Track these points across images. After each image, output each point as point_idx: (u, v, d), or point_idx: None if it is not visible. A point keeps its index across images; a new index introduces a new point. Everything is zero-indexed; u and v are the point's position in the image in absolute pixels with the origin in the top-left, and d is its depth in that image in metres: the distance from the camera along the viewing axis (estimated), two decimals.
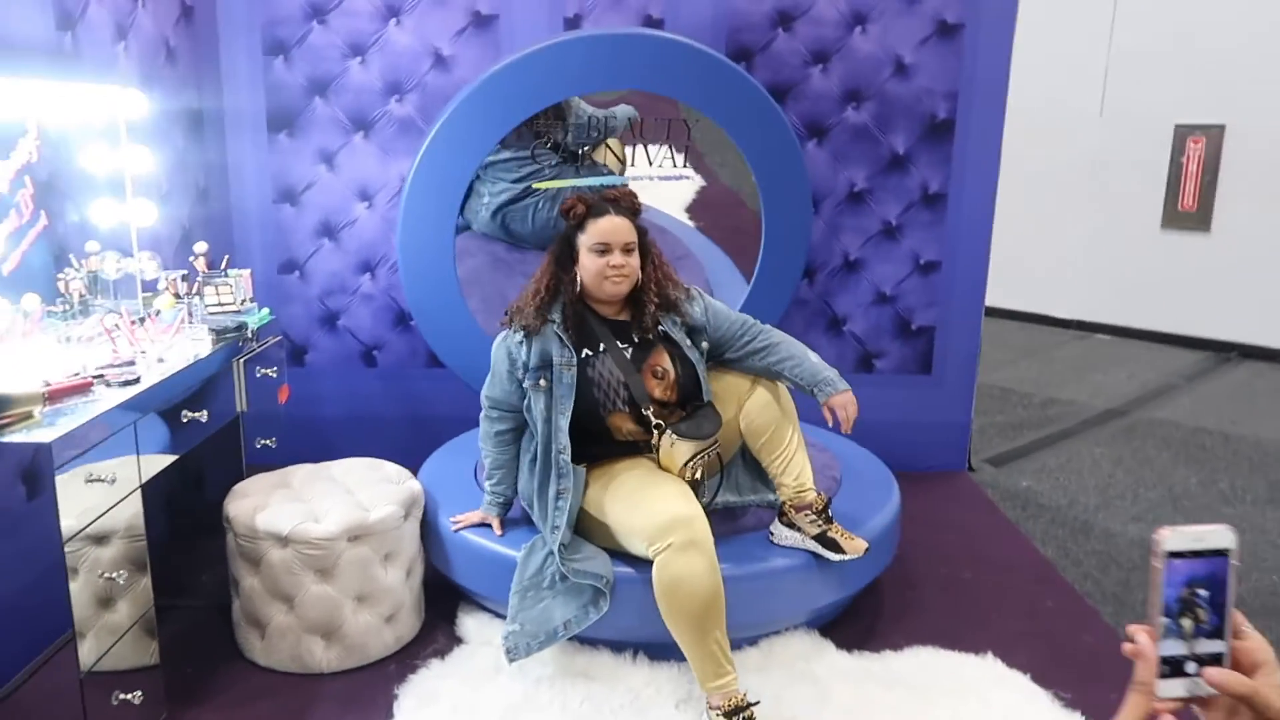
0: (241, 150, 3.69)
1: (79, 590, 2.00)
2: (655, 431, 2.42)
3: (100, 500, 2.07)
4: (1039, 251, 7.00)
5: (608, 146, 4.12)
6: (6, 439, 1.90)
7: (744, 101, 3.41)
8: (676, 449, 2.43)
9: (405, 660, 2.60)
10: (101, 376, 2.24)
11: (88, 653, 2.03)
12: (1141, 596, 3.03)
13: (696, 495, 2.48)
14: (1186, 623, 0.76)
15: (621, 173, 4.17)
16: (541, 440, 2.42)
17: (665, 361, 2.48)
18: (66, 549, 1.93)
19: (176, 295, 2.75)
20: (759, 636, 2.61)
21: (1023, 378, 5.65)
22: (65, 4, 2.69)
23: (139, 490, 2.22)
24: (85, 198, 2.71)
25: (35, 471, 1.87)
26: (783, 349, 2.56)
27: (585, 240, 2.39)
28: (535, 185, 3.73)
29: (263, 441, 2.99)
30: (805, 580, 2.52)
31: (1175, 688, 0.75)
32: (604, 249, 2.39)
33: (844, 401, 2.50)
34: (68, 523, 1.92)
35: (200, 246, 2.86)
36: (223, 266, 2.90)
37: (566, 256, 2.43)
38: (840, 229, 3.84)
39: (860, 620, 2.84)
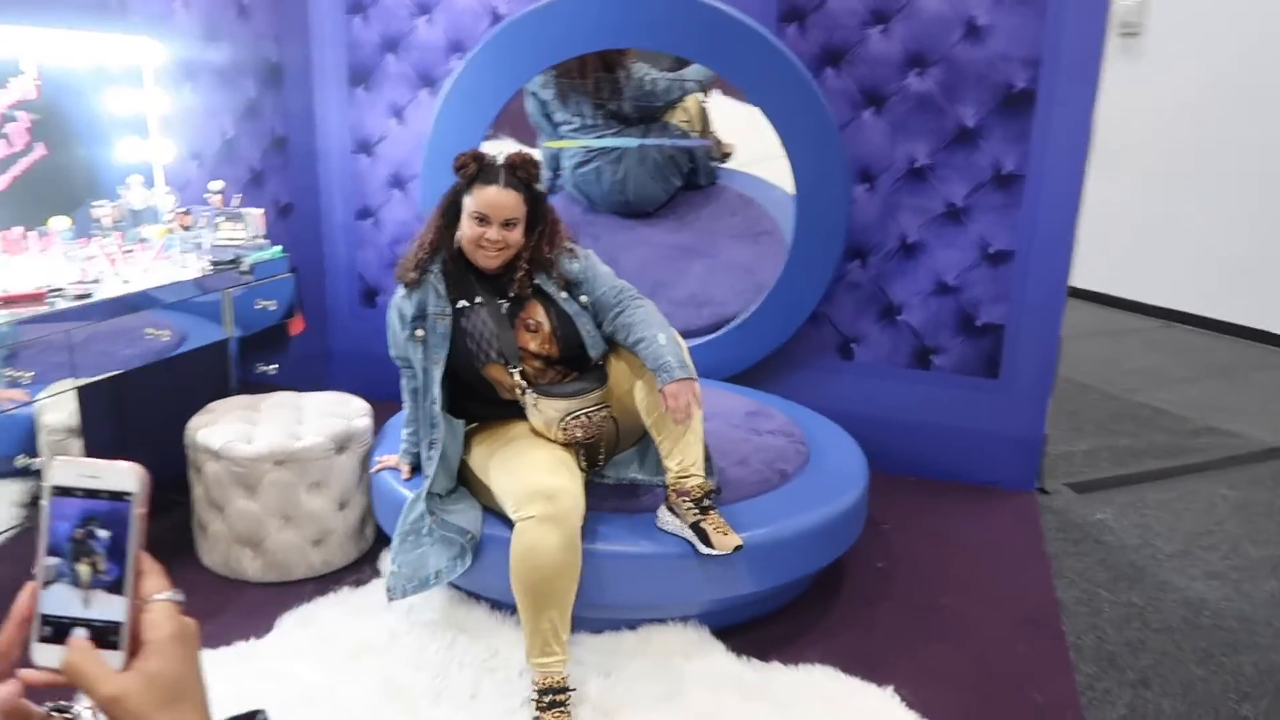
0: (326, 102, 3.98)
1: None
2: (520, 389, 2.38)
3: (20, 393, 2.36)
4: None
5: (683, 108, 4.03)
6: None
7: (764, 63, 3.21)
8: (542, 408, 2.37)
9: (323, 583, 2.75)
10: (60, 290, 2.54)
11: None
12: (1148, 662, 2.57)
13: (579, 462, 2.41)
14: (84, 569, 0.67)
15: (702, 135, 4.06)
16: (421, 391, 2.44)
17: (538, 314, 2.42)
18: None
19: (185, 228, 3.04)
20: (639, 621, 2.50)
21: (1192, 400, 4.87)
22: None
23: (74, 390, 2.50)
24: (118, 135, 3.06)
25: None
26: (638, 327, 2.40)
27: (468, 204, 2.37)
28: (545, 144, 3.73)
29: (263, 367, 3.25)
30: (683, 570, 2.37)
31: (51, 656, 0.66)
32: (482, 219, 2.35)
33: (674, 390, 2.30)
34: None
35: (216, 185, 3.14)
36: (234, 205, 3.16)
37: (452, 213, 2.42)
38: (898, 208, 3.50)
39: (777, 626, 2.63)
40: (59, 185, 2.87)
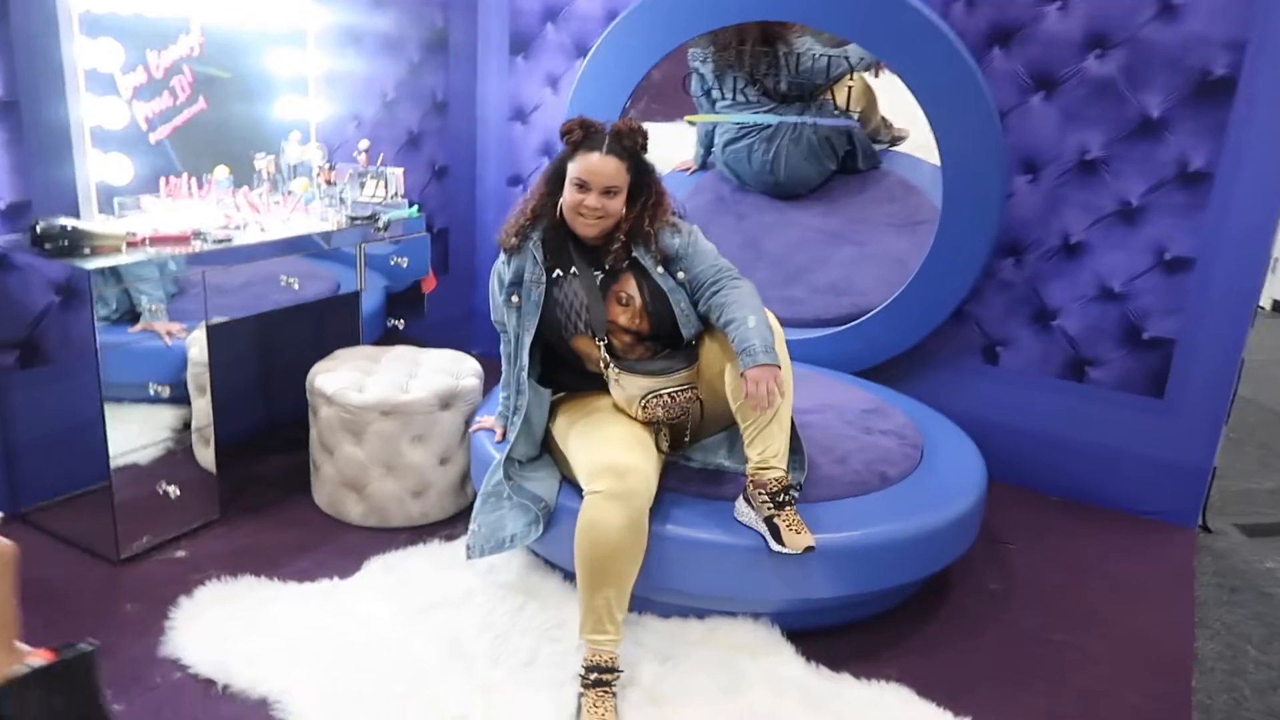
0: (487, 69, 4.07)
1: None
2: (604, 362, 2.33)
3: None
4: None
5: (846, 87, 3.84)
6: (91, 263, 2.43)
7: (916, 39, 3.01)
8: (624, 384, 2.32)
9: (417, 534, 2.83)
10: (203, 234, 2.72)
11: (120, 445, 2.55)
12: None
13: (658, 442, 2.35)
14: None
15: (866, 116, 3.85)
16: (513, 356, 2.44)
17: (630, 287, 2.36)
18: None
19: (329, 183, 3.18)
20: (709, 612, 2.41)
21: None
22: None
23: (203, 326, 2.68)
24: (279, 93, 3.25)
25: (76, 286, 2.41)
26: (731, 308, 2.28)
27: (570, 170, 2.33)
28: (687, 119, 3.63)
29: (392, 321, 3.37)
30: (755, 566, 2.26)
31: None
32: (582, 185, 2.31)
33: (755, 376, 2.17)
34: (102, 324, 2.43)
35: (363, 144, 3.27)
36: (379, 163, 3.28)
37: (556, 180, 2.39)
38: (1062, 203, 3.19)
39: (860, 637, 2.47)
40: (223, 137, 3.08)
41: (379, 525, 2.87)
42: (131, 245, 2.58)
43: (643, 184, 2.39)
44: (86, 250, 2.48)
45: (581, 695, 2.11)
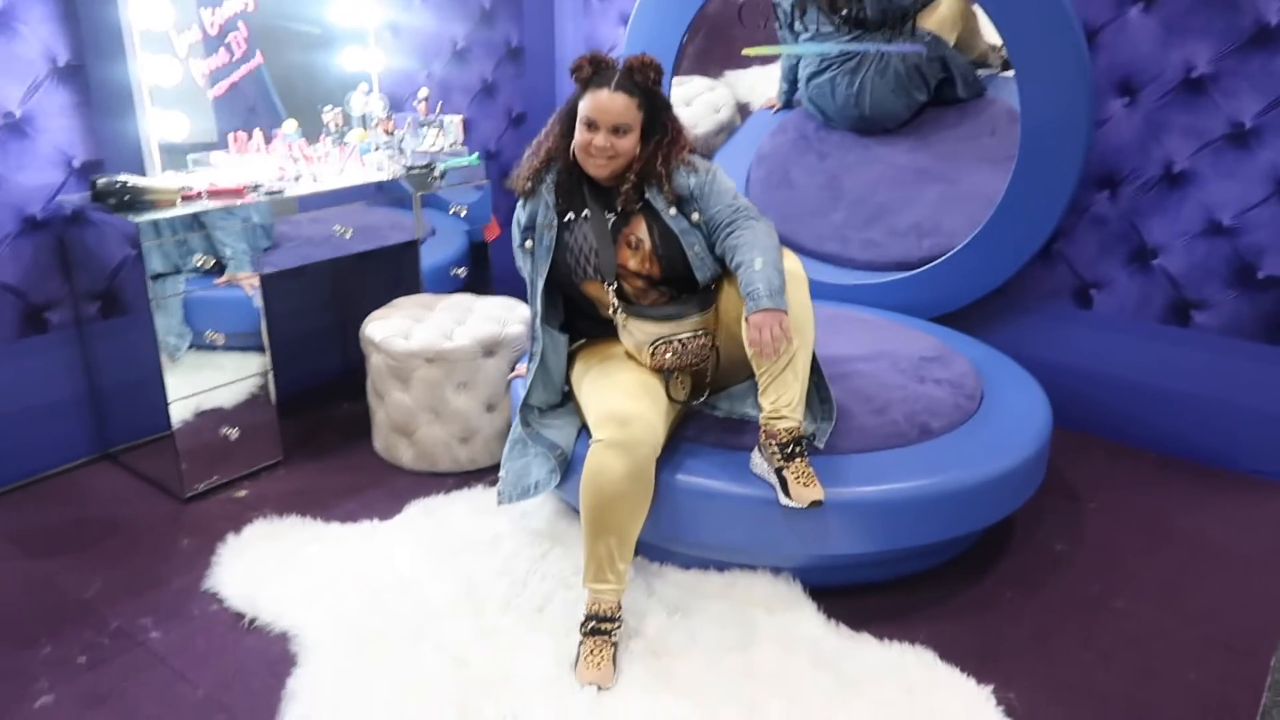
0: (563, 10, 4.01)
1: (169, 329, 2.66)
2: (614, 308, 2.26)
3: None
4: None
5: (940, 10, 3.56)
6: (145, 217, 2.57)
7: None
8: (631, 329, 2.25)
9: (464, 479, 2.88)
10: (258, 186, 2.82)
11: (179, 388, 2.70)
12: None
13: (670, 390, 2.28)
14: None
15: (962, 40, 3.57)
16: (530, 303, 2.41)
17: (640, 230, 2.26)
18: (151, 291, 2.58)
19: (388, 133, 3.23)
20: (729, 565, 2.34)
21: None
22: None
23: (257, 275, 2.79)
24: (340, 45, 3.30)
25: (135, 238, 2.54)
26: (742, 249, 2.15)
27: (580, 109, 2.25)
28: (745, 51, 3.44)
29: (455, 270, 3.41)
30: (768, 519, 2.16)
31: None
32: (590, 124, 2.22)
33: (758, 321, 2.04)
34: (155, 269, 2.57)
35: (422, 92, 3.30)
36: (437, 112, 3.30)
37: (568, 120, 2.31)
38: (1164, 128, 2.86)
39: (892, 596, 2.34)
40: (288, 91, 3.17)
41: (428, 470, 2.93)
42: (187, 199, 2.70)
43: (657, 122, 2.29)
44: (143, 205, 2.62)
45: (580, 643, 2.09)
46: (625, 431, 2.10)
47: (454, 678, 2.03)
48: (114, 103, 2.78)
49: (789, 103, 4.00)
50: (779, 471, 2.11)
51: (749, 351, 2.17)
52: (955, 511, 2.24)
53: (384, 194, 3.08)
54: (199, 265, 2.69)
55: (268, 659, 2.13)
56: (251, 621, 2.25)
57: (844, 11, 3.54)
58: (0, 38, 2.58)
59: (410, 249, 3.25)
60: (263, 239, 2.95)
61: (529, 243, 2.34)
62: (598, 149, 2.21)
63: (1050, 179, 2.93)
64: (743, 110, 4.13)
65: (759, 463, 2.19)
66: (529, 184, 2.34)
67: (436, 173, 3.16)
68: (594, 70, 2.24)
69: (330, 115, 3.25)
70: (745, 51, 3.60)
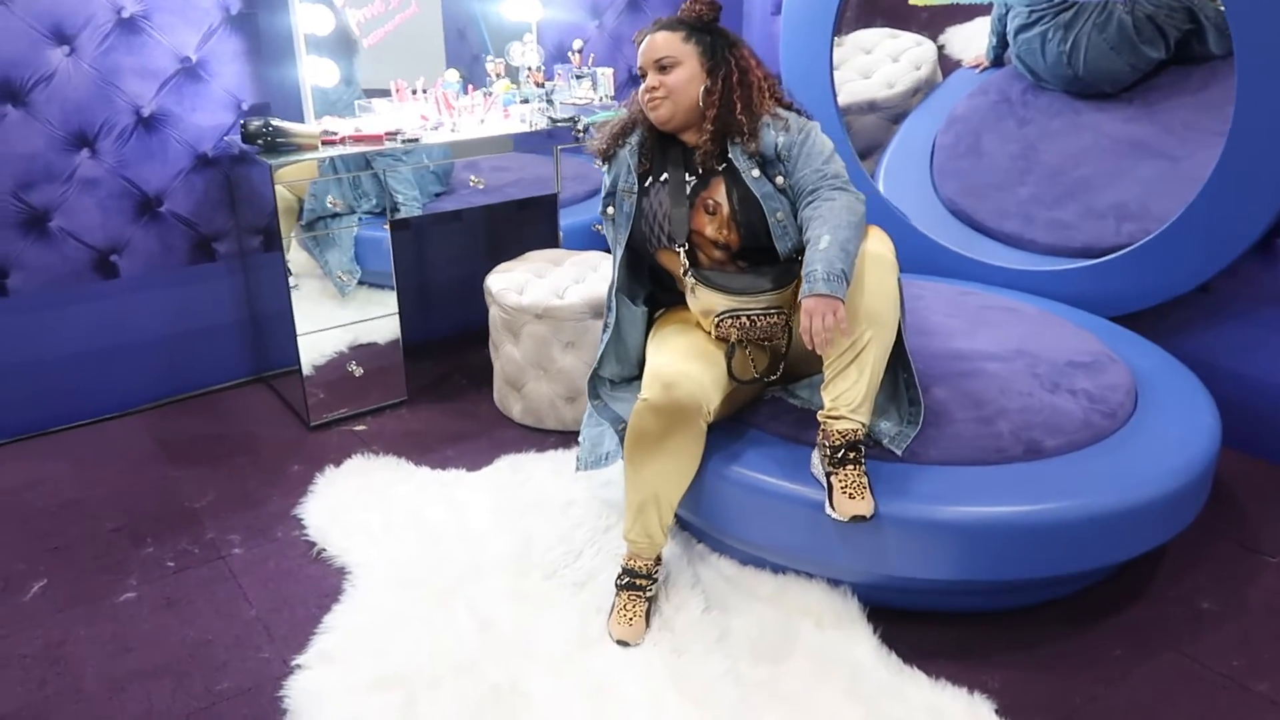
0: None
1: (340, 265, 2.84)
2: (685, 272, 2.10)
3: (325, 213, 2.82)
4: None
5: None
6: (287, 159, 2.73)
7: None
8: (700, 295, 2.08)
9: (566, 438, 2.85)
10: (396, 133, 2.90)
11: (307, 324, 2.86)
12: None
13: (733, 367, 2.09)
14: None
15: None
16: (612, 272, 2.30)
17: (719, 193, 2.07)
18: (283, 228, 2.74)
19: (539, 84, 3.21)
20: (782, 569, 2.14)
21: None
22: None
23: (383, 220, 2.89)
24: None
25: (263, 178, 2.70)
26: (814, 225, 1.90)
27: None
28: (913, 0, 3.05)
29: (598, 227, 3.35)
30: (818, 526, 1.95)
31: None
32: (641, 73, 2.08)
33: (810, 307, 1.79)
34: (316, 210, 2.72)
35: (577, 44, 3.24)
36: (590, 64, 3.23)
37: None
38: None
39: (973, 631, 2.05)
40: (455, 42, 3.23)
41: (535, 425, 2.93)
42: (328, 143, 2.83)
43: (719, 57, 2.07)
44: (287, 147, 2.77)
45: (615, 596, 2.05)
46: (668, 394, 1.97)
47: (474, 638, 2.02)
48: (279, 49, 2.95)
49: (998, 60, 3.57)
50: (829, 477, 1.89)
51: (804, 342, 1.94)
52: (1045, 547, 1.90)
53: (526, 145, 3.07)
54: (332, 206, 2.81)
55: (320, 590, 2.22)
56: (320, 552, 2.35)
57: None
58: None
59: (549, 202, 3.23)
60: (434, 184, 3.05)
61: (610, 209, 2.23)
62: (647, 91, 2.06)
63: (1268, 160, 2.40)
64: (953, 69, 3.74)
65: (817, 464, 1.98)
66: (605, 148, 2.22)
67: (580, 126, 3.10)
68: (650, 26, 2.10)
69: (493, 65, 3.28)
70: (913, 0, 3.23)
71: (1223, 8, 2.47)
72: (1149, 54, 3.09)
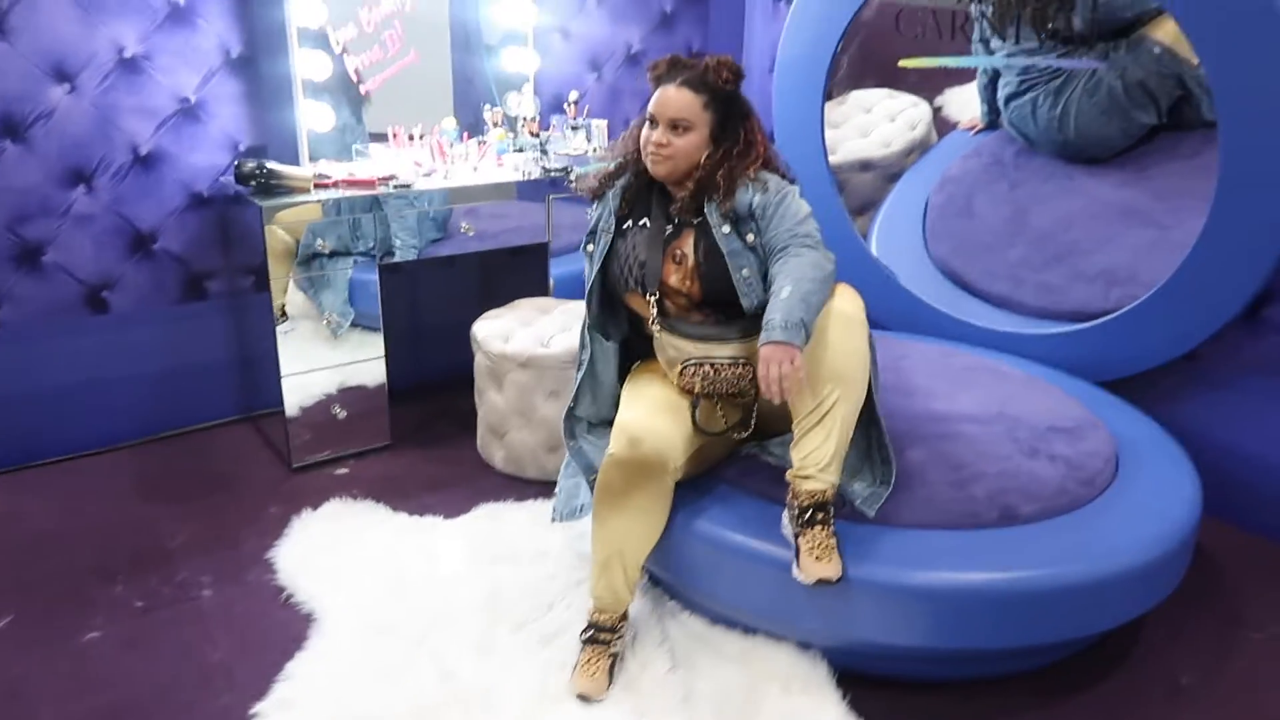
0: (753, 17, 3.85)
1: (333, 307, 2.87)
2: (652, 320, 2.11)
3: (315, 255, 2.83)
4: None
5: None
6: (278, 201, 2.75)
7: None
8: (665, 344, 2.10)
9: (545, 488, 2.82)
10: (389, 179, 2.93)
11: (297, 365, 2.86)
12: None
13: (697, 418, 2.08)
14: None
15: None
16: (587, 307, 2.31)
17: (687, 244, 2.08)
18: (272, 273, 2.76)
19: (533, 134, 3.24)
20: (752, 629, 2.11)
21: None
22: None
23: (374, 263, 2.91)
24: (501, 45, 3.36)
25: (255, 219, 2.73)
26: (779, 278, 1.90)
27: (649, 106, 2.12)
28: (901, 62, 3.09)
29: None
30: (787, 588, 1.91)
31: None
32: (652, 120, 2.08)
33: (767, 355, 1.77)
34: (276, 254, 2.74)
35: (573, 95, 3.28)
36: (584, 115, 3.27)
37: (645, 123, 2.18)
38: None
39: (945, 702, 2.01)
40: (448, 89, 3.28)
41: (516, 474, 2.91)
42: (320, 186, 2.85)
43: (729, 128, 2.10)
44: (280, 189, 2.80)
45: (580, 650, 2.03)
46: (634, 450, 1.97)
47: (436, 689, 1.99)
48: (277, 93, 2.99)
49: (993, 123, 3.59)
50: (796, 538, 1.87)
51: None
52: (1017, 617, 1.87)
53: (520, 194, 3.10)
54: (320, 250, 2.83)
55: (288, 635, 2.19)
56: (289, 597, 2.33)
57: (1050, 25, 3.11)
58: (183, 31, 2.86)
59: (541, 250, 3.25)
60: (432, 230, 3.07)
61: (590, 246, 2.25)
62: (654, 145, 2.08)
63: (1253, 229, 2.40)
64: (949, 130, 3.77)
65: (786, 524, 1.95)
66: (598, 187, 2.24)
67: (572, 176, 3.13)
68: (668, 69, 2.11)
69: (491, 115, 3.32)
70: (902, 63, 3.27)
71: (1204, 70, 2.48)
72: (1140, 119, 3.11)
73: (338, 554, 2.47)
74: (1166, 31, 2.97)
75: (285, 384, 2.87)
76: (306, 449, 2.95)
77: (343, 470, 2.96)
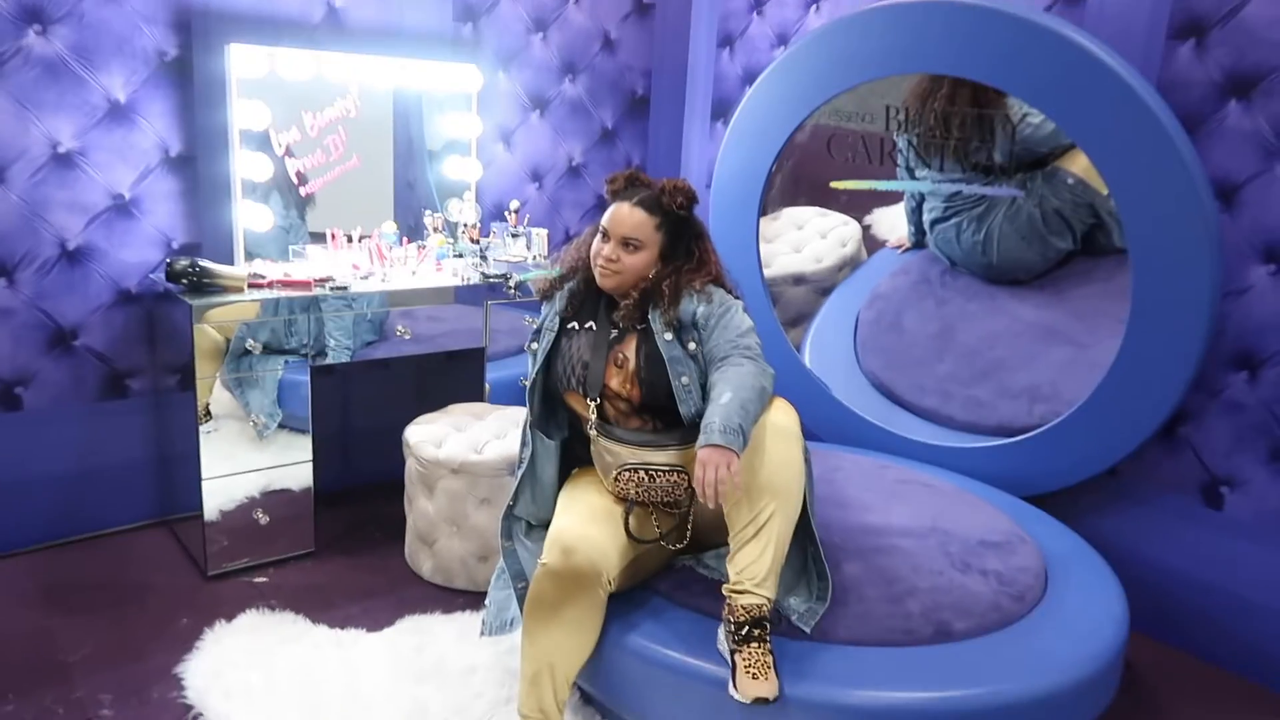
0: (691, 134, 3.97)
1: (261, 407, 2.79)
2: (589, 423, 2.10)
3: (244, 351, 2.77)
4: None
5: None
6: (209, 299, 2.70)
7: (1085, 86, 2.44)
8: (603, 449, 2.09)
9: (474, 599, 2.73)
10: (326, 280, 2.91)
11: (219, 467, 2.77)
12: None
13: (629, 526, 2.05)
14: None
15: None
16: (528, 405, 2.29)
17: (629, 349, 2.11)
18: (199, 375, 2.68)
19: (474, 240, 3.27)
20: None
21: None
22: (469, 0, 3.39)
23: (307, 364, 2.86)
24: (445, 154, 3.41)
25: (185, 317, 2.67)
26: (718, 386, 1.93)
27: (603, 218, 2.17)
28: (832, 184, 3.22)
29: (523, 381, 3.35)
30: (724, 707, 1.87)
31: None
32: (604, 234, 2.13)
33: (704, 458, 1.78)
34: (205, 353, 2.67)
35: (514, 204, 3.32)
36: (525, 224, 3.31)
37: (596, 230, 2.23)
38: None
39: None
40: (390, 194, 3.30)
41: (444, 584, 2.83)
42: (254, 286, 2.81)
43: (680, 248, 2.16)
44: (213, 288, 2.75)
45: None
46: (566, 560, 1.93)
47: None
48: (215, 192, 2.97)
49: (919, 243, 3.73)
50: (733, 654, 1.83)
51: (725, 505, 1.92)
52: None
53: (458, 298, 3.10)
54: (250, 349, 2.77)
55: None
56: (197, 716, 2.19)
57: (970, 157, 3.27)
58: (120, 129, 2.84)
59: (477, 355, 3.24)
60: (367, 332, 3.03)
61: (534, 344, 2.25)
62: (604, 259, 2.12)
63: (1166, 352, 2.50)
64: (878, 248, 3.91)
65: (722, 639, 1.92)
66: (548, 288, 2.27)
67: (511, 283, 3.15)
68: (626, 185, 2.17)
69: (431, 220, 3.34)
70: (834, 184, 3.40)
71: (1115, 204, 2.62)
72: (1057, 245, 3.25)
73: (252, 670, 2.34)
74: (1079, 164, 3.16)
75: (206, 486, 2.76)
76: (224, 555, 2.83)
77: (262, 579, 2.83)
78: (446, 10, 3.33)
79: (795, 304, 3.89)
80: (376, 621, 2.61)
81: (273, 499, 2.89)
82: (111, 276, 2.91)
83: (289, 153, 3.02)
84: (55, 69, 2.71)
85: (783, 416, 1.97)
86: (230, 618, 2.56)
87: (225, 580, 2.81)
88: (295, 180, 3.05)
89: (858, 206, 3.97)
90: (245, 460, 2.83)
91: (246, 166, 2.93)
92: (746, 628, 1.83)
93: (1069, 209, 3.18)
